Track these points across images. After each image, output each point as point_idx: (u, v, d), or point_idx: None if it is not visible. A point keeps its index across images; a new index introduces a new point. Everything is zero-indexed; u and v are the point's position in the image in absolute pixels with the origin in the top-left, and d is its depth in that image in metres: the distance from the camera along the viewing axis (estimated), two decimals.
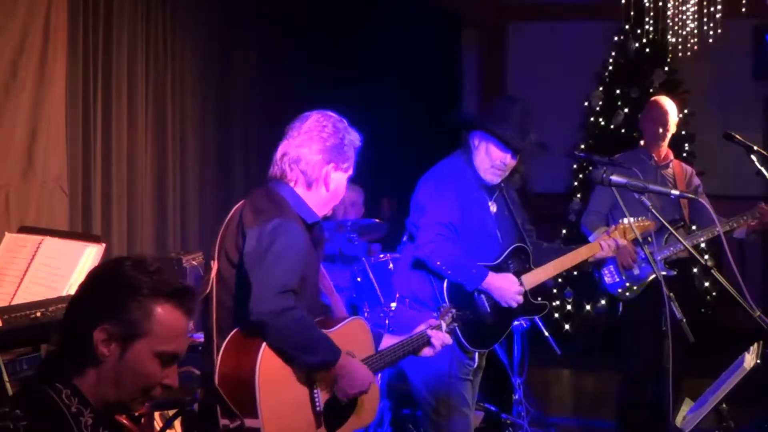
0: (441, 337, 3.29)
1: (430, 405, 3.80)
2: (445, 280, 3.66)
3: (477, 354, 3.81)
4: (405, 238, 3.94)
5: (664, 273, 4.49)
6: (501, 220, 3.87)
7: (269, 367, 2.76)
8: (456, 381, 3.74)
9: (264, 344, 2.75)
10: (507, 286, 3.68)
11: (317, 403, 2.89)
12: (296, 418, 2.85)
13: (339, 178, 3.02)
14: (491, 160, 3.76)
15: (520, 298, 3.72)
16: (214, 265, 2.93)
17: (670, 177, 4.96)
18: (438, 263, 3.62)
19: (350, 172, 3.06)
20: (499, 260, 3.78)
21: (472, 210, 3.75)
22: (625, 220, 3.85)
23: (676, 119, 5.00)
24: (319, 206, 3.01)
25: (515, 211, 3.95)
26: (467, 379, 3.79)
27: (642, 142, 5.10)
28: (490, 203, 3.84)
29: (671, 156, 5.05)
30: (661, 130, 4.92)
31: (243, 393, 2.73)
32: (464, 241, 3.71)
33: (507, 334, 3.91)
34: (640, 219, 3.94)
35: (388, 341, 3.22)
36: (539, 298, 3.88)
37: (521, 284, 3.75)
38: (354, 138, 3.04)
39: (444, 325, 3.34)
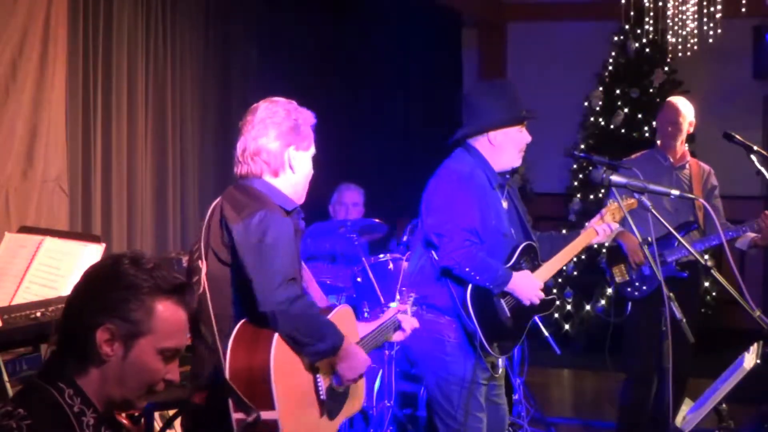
0: (410, 321, 3.44)
1: (445, 410, 3.74)
2: (469, 287, 3.61)
3: (500, 360, 3.82)
4: (421, 245, 3.84)
5: (670, 270, 4.62)
6: (512, 218, 3.85)
7: (282, 358, 2.78)
8: (473, 386, 3.70)
9: (276, 335, 2.76)
10: (530, 286, 3.69)
11: (321, 391, 2.94)
12: (305, 408, 2.89)
13: (302, 158, 3.03)
14: (518, 145, 3.76)
15: (542, 294, 3.72)
16: (203, 265, 2.90)
17: (686, 178, 4.91)
18: (467, 269, 3.57)
19: (312, 150, 3.07)
20: (513, 261, 3.74)
21: (488, 211, 3.71)
22: (611, 203, 3.92)
23: (691, 119, 4.92)
24: (292, 191, 3.01)
25: (519, 205, 3.94)
26: (484, 384, 3.76)
27: (658, 142, 5.07)
28: (502, 200, 3.81)
29: (688, 156, 4.98)
30: (670, 129, 4.88)
31: (257, 385, 2.74)
32: (485, 244, 3.68)
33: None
34: (623, 197, 3.87)
35: (363, 329, 3.27)
36: (546, 294, 3.87)
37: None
38: (306, 116, 3.06)
39: (409, 310, 3.46)
